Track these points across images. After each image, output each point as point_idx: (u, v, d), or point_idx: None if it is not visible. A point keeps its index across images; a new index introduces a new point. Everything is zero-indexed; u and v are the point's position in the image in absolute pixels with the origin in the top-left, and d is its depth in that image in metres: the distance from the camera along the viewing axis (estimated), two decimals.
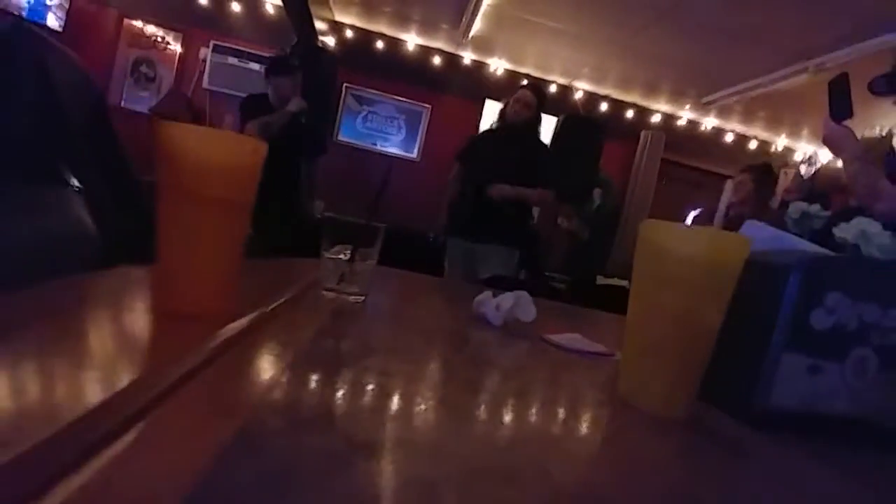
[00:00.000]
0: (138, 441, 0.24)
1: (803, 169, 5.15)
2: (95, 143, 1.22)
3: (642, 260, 0.45)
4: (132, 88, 4.63)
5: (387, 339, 0.56)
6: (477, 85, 4.97)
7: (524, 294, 0.68)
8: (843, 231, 0.64)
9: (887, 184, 1.32)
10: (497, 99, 4.80)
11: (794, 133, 5.27)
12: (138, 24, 4.62)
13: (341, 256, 0.62)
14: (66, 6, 4.17)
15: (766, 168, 2.76)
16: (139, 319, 0.43)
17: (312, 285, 0.67)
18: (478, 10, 3.84)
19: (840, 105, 1.46)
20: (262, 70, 3.02)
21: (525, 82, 4.09)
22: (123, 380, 0.30)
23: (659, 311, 0.43)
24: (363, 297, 0.65)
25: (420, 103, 5.01)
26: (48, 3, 4.08)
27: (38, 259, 0.71)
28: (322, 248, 0.63)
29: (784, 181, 5.55)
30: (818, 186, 2.91)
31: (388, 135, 5.03)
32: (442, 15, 4.20)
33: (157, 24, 4.62)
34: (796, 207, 0.81)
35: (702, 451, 0.40)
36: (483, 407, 0.40)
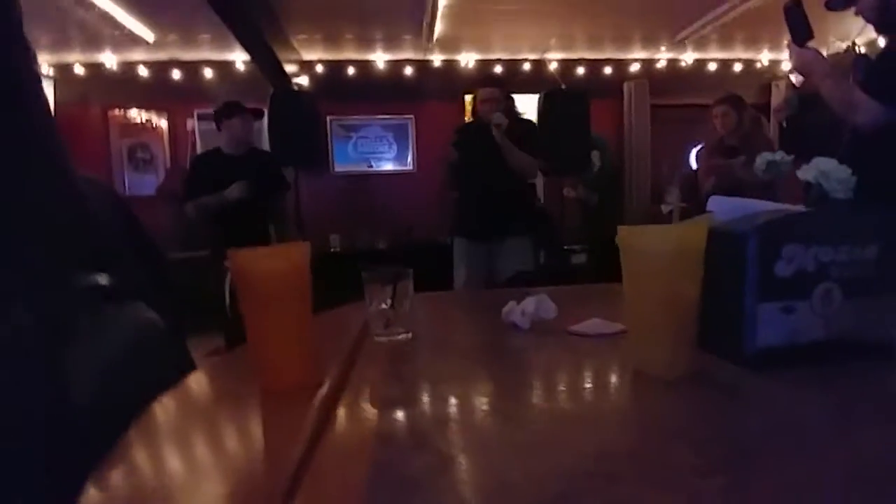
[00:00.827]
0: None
1: (793, 78, 5.10)
2: (134, 248, 1.35)
3: (628, 260, 0.55)
4: (133, 175, 4.85)
5: (444, 365, 0.67)
6: (453, 83, 5.05)
7: (543, 296, 0.78)
8: (805, 173, 0.73)
9: (861, 95, 1.37)
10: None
11: (776, 46, 5.21)
12: (122, 112, 4.83)
13: (383, 306, 0.74)
14: (53, 114, 4.39)
15: (736, 97, 2.86)
16: (252, 402, 0.55)
17: (363, 333, 0.78)
18: (436, 14, 3.93)
19: (799, 29, 1.51)
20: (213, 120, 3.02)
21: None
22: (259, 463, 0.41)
23: (649, 298, 0.53)
24: (410, 334, 0.76)
25: (403, 116, 5.12)
26: None
27: (138, 365, 0.83)
28: (366, 302, 0.75)
29: (777, 94, 5.50)
30: (808, 92, 2.93)
31: (381, 153, 5.16)
32: (403, 27, 4.30)
33: (140, 108, 4.83)
34: (762, 159, 0.89)
35: (708, 399, 0.50)
36: (536, 397, 0.51)
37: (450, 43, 4.62)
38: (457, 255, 2.57)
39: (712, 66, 5.36)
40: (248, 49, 4.08)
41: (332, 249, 4.74)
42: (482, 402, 0.52)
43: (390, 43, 4.66)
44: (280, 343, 0.55)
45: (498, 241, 2.48)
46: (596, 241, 4.37)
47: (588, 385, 0.58)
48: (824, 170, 0.70)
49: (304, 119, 4.06)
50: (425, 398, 0.52)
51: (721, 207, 0.60)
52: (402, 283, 0.75)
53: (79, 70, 4.63)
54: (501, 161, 2.42)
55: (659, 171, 5.34)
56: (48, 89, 4.30)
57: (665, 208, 5.14)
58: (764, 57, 5.42)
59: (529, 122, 2.73)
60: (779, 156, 0.88)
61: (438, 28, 4.23)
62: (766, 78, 5.53)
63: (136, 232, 1.43)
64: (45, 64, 4.55)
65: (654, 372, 0.54)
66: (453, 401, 0.51)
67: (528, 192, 2.71)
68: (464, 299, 1.36)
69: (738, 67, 5.42)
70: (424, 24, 4.11)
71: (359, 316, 0.80)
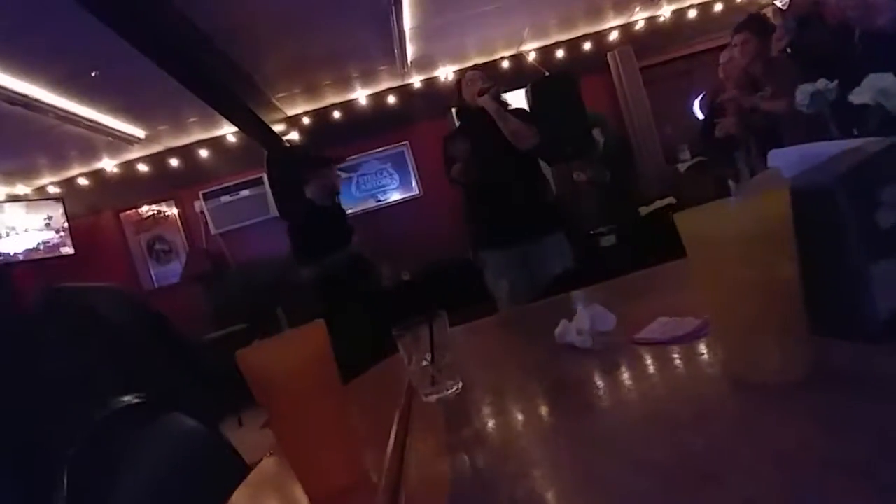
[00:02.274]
0: None
1: (778, 3, 4.90)
2: (167, 351, 1.32)
3: (698, 252, 0.45)
4: (157, 268, 4.93)
5: (509, 419, 0.58)
6: (437, 99, 5.02)
7: (596, 306, 0.69)
8: (860, 96, 0.63)
9: None
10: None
11: None
12: (133, 210, 4.95)
13: (424, 363, 0.66)
14: (68, 229, 4.51)
15: (760, 18, 2.60)
16: None
17: (411, 394, 0.70)
18: (404, 38, 3.91)
19: None
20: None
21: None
22: None
23: (736, 291, 0.43)
24: (460, 384, 0.68)
25: (397, 144, 5.11)
26: (58, 236, 4.43)
27: (180, 480, 0.77)
28: (405, 363, 0.67)
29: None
30: (800, 15, 2.74)
31: (385, 186, 5.14)
32: (376, 59, 4.30)
33: (148, 202, 4.93)
34: (803, 93, 0.78)
35: (842, 400, 0.40)
36: (629, 443, 0.41)
37: (425, 62, 4.60)
38: (492, 269, 2.35)
39: (692, 13, 5.20)
40: (233, 121, 4.13)
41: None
42: (574, 470, 0.43)
43: (368, 77, 4.66)
44: (318, 446, 0.47)
45: (533, 244, 2.28)
46: (620, 217, 4.22)
47: (687, 416, 0.47)
48: (883, 87, 0.60)
49: (302, 172, 4.07)
50: (503, 477, 0.44)
51: (786, 162, 0.50)
52: (437, 330, 0.66)
53: (83, 181, 4.76)
54: (502, 141, 2.22)
55: (665, 132, 5.18)
56: (58, 209, 4.43)
57: (682, 167, 4.97)
58: None
59: (521, 109, 2.55)
60: (822, 84, 0.77)
61: (410, 51, 4.21)
62: (750, 11, 5.33)
63: (166, 334, 1.41)
64: (51, 185, 4.70)
65: (762, 379, 0.44)
66: (537, 474, 0.42)
67: (543, 182, 2.54)
68: (506, 323, 1.26)
69: (718, 7, 5.25)
70: (395, 50, 4.10)
71: (398, 371, 0.72)
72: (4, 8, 2.48)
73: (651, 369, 0.58)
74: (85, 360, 0.99)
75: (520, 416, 0.57)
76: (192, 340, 1.30)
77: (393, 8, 3.24)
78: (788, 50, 2.62)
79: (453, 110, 2.47)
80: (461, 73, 2.61)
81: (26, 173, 4.41)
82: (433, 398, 0.67)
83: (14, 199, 4.39)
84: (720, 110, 3.00)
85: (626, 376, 0.59)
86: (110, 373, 1.00)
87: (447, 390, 0.67)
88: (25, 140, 3.64)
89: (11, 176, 4.33)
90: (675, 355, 0.58)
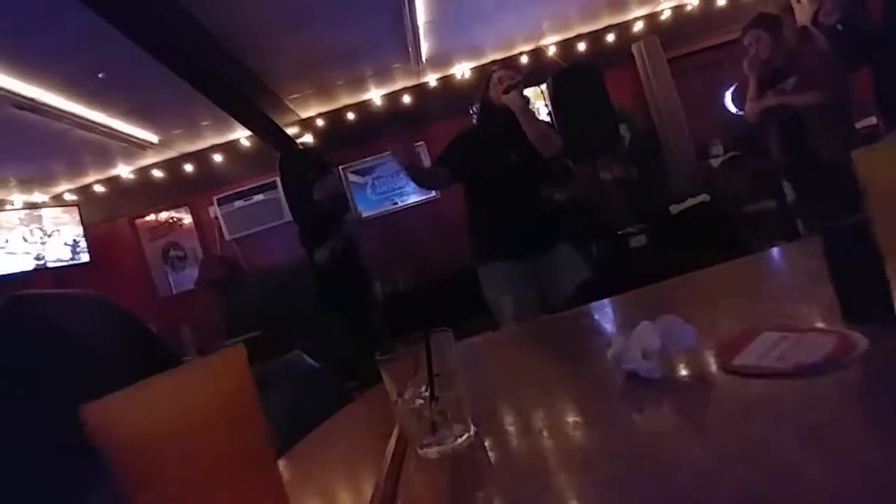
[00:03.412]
0: None
1: None
2: (150, 361, 1.17)
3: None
4: (173, 274, 4.86)
5: (545, 481, 0.38)
6: (453, 98, 4.85)
7: (667, 319, 0.49)
8: None
9: None
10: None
11: None
12: (149, 217, 4.90)
13: (419, 401, 0.47)
14: (84, 237, 4.47)
15: (765, 16, 2.52)
16: None
17: (402, 448, 0.51)
18: (418, 34, 3.75)
19: None
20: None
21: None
22: None
23: None
24: (474, 431, 0.48)
25: (414, 144, 4.94)
26: (76, 242, 4.39)
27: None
28: (391, 401, 0.48)
29: (801, 9, 4.97)
30: None
31: (402, 189, 4.98)
32: (389, 57, 4.15)
33: (163, 208, 4.88)
34: None
35: None
36: None
37: (440, 59, 4.43)
38: (493, 284, 2.07)
39: (721, 1, 4.91)
40: (246, 124, 4.03)
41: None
42: None
43: (382, 77, 4.52)
44: None
45: (544, 255, 2.03)
46: (650, 216, 3.97)
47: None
48: None
49: (314, 174, 3.95)
50: None
51: None
52: (438, 353, 0.47)
53: (99, 188, 4.73)
54: (522, 146, 2.02)
55: (696, 126, 4.89)
56: (74, 216, 4.40)
57: (714, 162, 4.68)
58: None
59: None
60: None
61: (425, 47, 4.05)
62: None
63: (148, 344, 1.26)
64: (67, 192, 4.69)
65: None
66: None
67: (558, 189, 2.37)
68: (531, 338, 1.04)
69: None
70: (409, 47, 3.94)
71: (387, 409, 0.53)
72: (7, 9, 2.40)
73: (774, 421, 0.38)
74: (26, 368, 0.88)
75: (566, 489, 0.38)
76: (177, 357, 1.16)
77: (406, 1, 3.08)
78: (840, 26, 2.41)
79: (475, 106, 2.28)
80: (488, 69, 2.39)
81: (43, 180, 4.39)
82: (433, 452, 0.48)
83: (31, 206, 4.37)
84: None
85: (728, 433, 0.38)
86: (55, 383, 0.87)
87: (454, 440, 0.47)
88: (39, 146, 3.59)
89: (28, 183, 4.32)
90: (810, 393, 0.38)
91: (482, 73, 4.80)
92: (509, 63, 4.61)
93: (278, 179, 4.64)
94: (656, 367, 0.47)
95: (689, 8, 4.87)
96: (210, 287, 4.41)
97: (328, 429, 0.72)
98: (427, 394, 0.46)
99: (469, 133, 2.31)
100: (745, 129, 3.11)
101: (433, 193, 4.96)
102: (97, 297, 1.34)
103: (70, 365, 0.99)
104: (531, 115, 2.06)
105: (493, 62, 4.79)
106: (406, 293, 4.52)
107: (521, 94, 2.06)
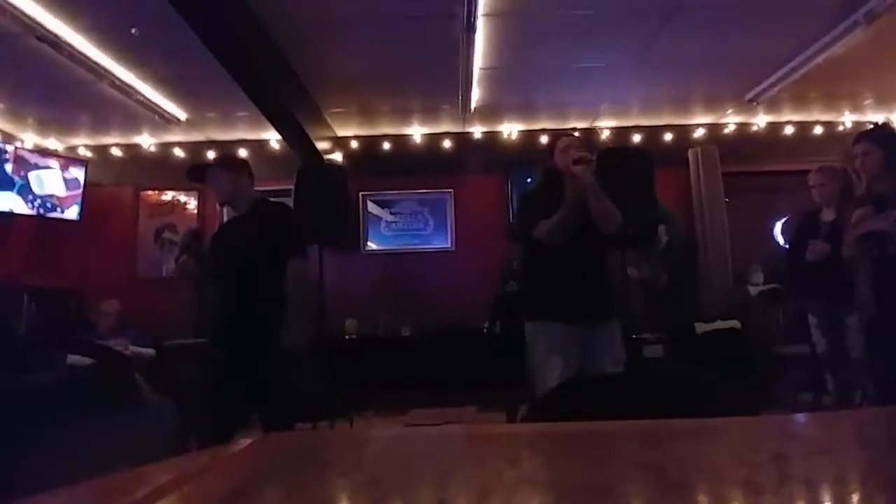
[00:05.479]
0: None
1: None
2: None
3: None
4: (161, 256, 4.58)
5: None
6: (495, 156, 4.67)
7: None
8: None
9: None
10: (520, 164, 4.44)
11: (858, 106, 4.52)
12: (155, 193, 4.71)
13: None
14: (80, 196, 4.26)
15: (883, 129, 2.20)
16: None
17: None
18: (471, 79, 3.60)
19: None
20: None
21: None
22: None
23: None
24: None
25: (441, 191, 4.74)
26: (58, 197, 4.17)
27: None
28: None
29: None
30: None
31: (418, 231, 4.73)
32: (437, 96, 4.01)
33: (172, 189, 4.69)
34: None
35: None
36: None
37: (489, 112, 4.28)
38: (544, 342, 2.07)
39: (789, 130, 4.72)
40: (276, 126, 3.87)
41: (346, 336, 4.20)
42: None
43: (428, 114, 4.38)
44: None
45: (596, 324, 2.08)
46: (671, 329, 3.57)
47: None
48: None
49: (330, 194, 3.71)
50: None
51: None
52: None
53: (116, 152, 4.59)
54: (582, 216, 2.02)
55: (738, 247, 4.55)
56: (80, 172, 4.23)
57: (753, 290, 4.29)
58: (846, 119, 4.73)
59: None
60: None
61: (476, 95, 3.90)
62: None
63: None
64: (83, 147, 4.56)
65: None
66: None
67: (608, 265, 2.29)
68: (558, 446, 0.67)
69: (818, 130, 4.75)
70: (460, 91, 3.79)
71: None
72: None
73: None
74: None
75: None
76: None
77: (464, 36, 2.93)
78: None
79: (538, 170, 2.26)
80: (539, 135, 2.42)
81: (62, 128, 4.26)
82: None
83: (41, 151, 4.22)
84: (812, 231, 2.60)
85: None
86: None
87: None
88: (59, 90, 3.46)
89: (46, 127, 4.19)
90: None
91: (529, 137, 4.65)
92: (569, 134, 4.46)
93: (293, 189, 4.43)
94: None
95: (755, 128, 4.69)
96: (187, 280, 4.09)
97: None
98: None
99: (535, 194, 2.38)
100: (799, 262, 2.76)
101: (447, 245, 4.68)
102: None
103: None
104: (600, 192, 2.03)
105: (544, 130, 4.62)
106: (384, 339, 4.15)
107: (592, 170, 2.03)
